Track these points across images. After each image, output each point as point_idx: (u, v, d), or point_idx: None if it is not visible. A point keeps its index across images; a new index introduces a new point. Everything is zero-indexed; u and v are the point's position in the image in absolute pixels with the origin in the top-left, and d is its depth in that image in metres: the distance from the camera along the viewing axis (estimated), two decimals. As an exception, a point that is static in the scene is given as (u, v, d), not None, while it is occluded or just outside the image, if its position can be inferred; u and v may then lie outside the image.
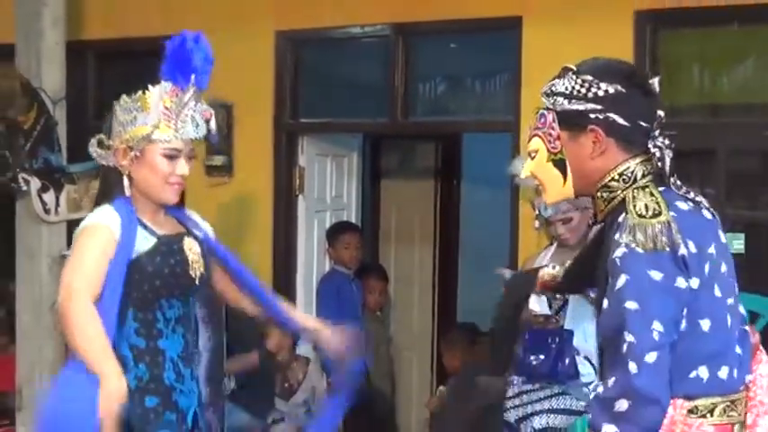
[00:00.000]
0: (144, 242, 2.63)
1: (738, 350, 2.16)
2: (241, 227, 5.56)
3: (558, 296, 3.26)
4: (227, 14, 5.69)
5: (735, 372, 2.14)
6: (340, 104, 5.80)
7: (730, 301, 2.17)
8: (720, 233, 2.22)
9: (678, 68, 4.90)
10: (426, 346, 6.53)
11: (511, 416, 3.55)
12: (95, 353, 2.49)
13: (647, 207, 2.08)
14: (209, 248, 2.81)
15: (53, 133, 4.91)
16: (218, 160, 5.62)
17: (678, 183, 2.18)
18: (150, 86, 2.63)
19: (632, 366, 2.00)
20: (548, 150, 2.22)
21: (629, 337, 2.00)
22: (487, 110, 5.27)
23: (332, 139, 5.95)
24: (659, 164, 2.14)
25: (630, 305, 2.01)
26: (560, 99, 2.20)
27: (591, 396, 2.13)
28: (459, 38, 5.35)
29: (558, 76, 2.22)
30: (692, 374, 2.09)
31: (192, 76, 2.61)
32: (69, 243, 2.82)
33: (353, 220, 6.09)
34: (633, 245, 2.04)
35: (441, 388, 5.53)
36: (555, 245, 3.65)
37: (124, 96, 2.67)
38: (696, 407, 2.09)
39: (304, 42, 5.75)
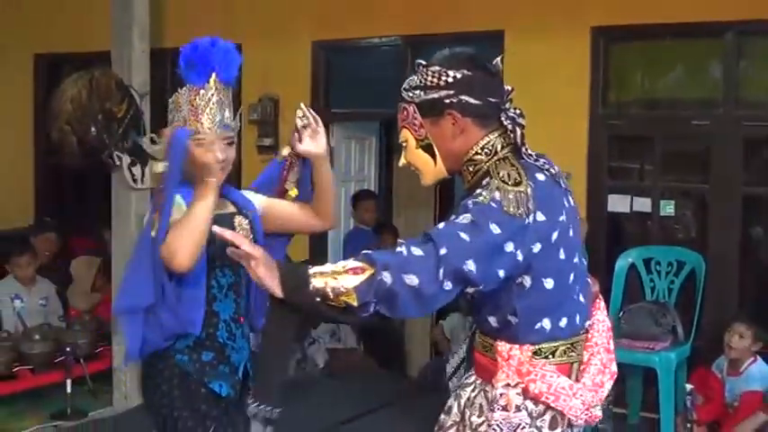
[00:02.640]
0: None
1: (581, 299, 2.21)
2: (284, 194, 6.38)
3: None
4: (275, 28, 6.40)
5: (576, 318, 2.19)
6: (362, 98, 6.34)
7: (575, 260, 2.17)
8: (570, 198, 2.22)
9: (625, 72, 5.60)
10: (428, 288, 7.01)
11: None
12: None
13: (509, 175, 2.08)
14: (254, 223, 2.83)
15: (140, 121, 5.13)
16: (267, 141, 6.39)
17: (531, 152, 2.18)
18: (179, 89, 2.68)
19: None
20: (415, 139, 2.23)
21: (442, 251, 1.94)
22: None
23: (355, 126, 6.53)
24: (512, 135, 2.16)
25: (463, 236, 1.96)
26: (417, 92, 2.19)
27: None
28: (456, 47, 5.66)
29: (413, 73, 2.22)
30: (537, 326, 2.13)
31: (214, 74, 2.63)
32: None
33: (372, 189, 6.63)
34: (490, 202, 2.02)
35: (441, 321, 6.00)
36: None
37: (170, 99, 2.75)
38: (540, 349, 2.15)
39: (334, 50, 6.40)
